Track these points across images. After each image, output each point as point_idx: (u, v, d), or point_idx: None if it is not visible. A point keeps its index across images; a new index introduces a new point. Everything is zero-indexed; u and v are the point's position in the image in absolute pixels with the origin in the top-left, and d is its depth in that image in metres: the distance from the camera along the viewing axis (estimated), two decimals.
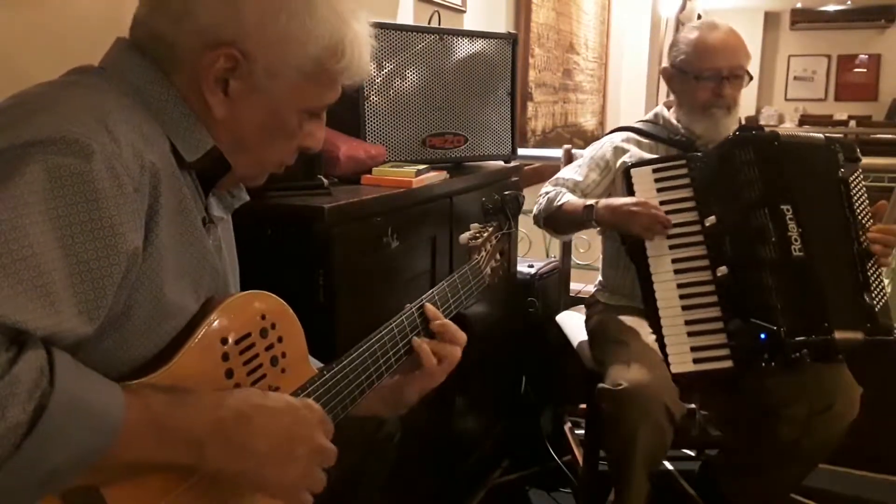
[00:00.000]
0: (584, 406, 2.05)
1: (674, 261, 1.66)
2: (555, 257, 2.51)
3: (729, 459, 1.88)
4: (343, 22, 0.86)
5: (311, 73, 0.86)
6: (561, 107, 4.57)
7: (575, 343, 2.00)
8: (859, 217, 1.64)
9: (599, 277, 2.03)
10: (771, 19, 9.70)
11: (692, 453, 2.27)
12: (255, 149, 0.89)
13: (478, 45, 1.90)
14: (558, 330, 2.12)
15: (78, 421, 0.63)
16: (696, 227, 1.66)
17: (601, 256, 2.05)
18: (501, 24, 3.52)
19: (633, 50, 5.54)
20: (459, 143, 1.91)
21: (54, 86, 0.79)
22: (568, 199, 1.82)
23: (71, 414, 0.63)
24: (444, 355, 1.09)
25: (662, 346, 1.61)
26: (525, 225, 2.54)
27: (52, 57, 0.88)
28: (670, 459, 2.23)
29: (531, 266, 2.35)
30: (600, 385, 1.62)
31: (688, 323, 1.62)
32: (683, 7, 6.45)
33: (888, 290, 1.67)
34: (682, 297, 1.64)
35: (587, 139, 4.73)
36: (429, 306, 1.11)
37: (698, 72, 1.78)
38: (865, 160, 1.81)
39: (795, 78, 9.84)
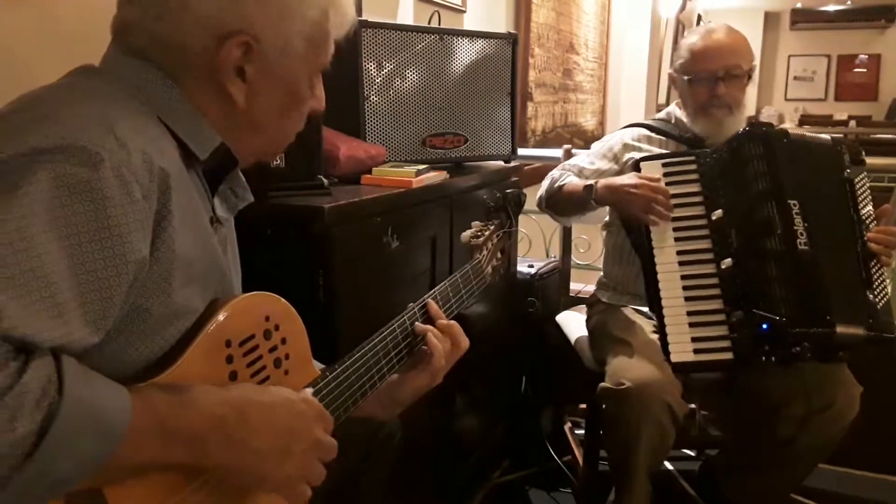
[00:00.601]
0: (584, 406, 2.05)
1: (678, 253, 1.67)
2: (555, 257, 2.51)
3: (729, 459, 1.88)
4: None
5: (312, 37, 0.86)
6: (561, 107, 4.57)
7: (575, 343, 2.00)
8: (864, 218, 1.65)
9: (601, 276, 2.03)
10: (771, 19, 9.70)
11: (692, 453, 2.27)
12: (273, 127, 0.90)
13: (478, 45, 1.91)
14: (558, 330, 2.12)
15: (86, 428, 0.63)
16: (703, 221, 1.67)
17: (603, 252, 2.06)
18: (501, 24, 3.52)
19: (633, 50, 5.53)
20: (459, 143, 1.91)
21: (59, 89, 0.78)
22: (570, 180, 1.84)
23: (79, 421, 0.62)
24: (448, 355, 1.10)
25: (664, 336, 1.61)
26: (525, 225, 2.54)
27: (56, 56, 0.87)
28: (670, 459, 2.23)
29: (531, 266, 2.35)
30: (602, 384, 1.62)
31: (690, 314, 1.62)
32: (683, 7, 6.45)
33: (889, 290, 1.67)
34: (685, 288, 1.64)
35: (587, 139, 4.73)
36: (432, 304, 1.12)
37: (693, 73, 1.81)
38: (866, 160, 1.81)
39: (795, 78, 9.84)
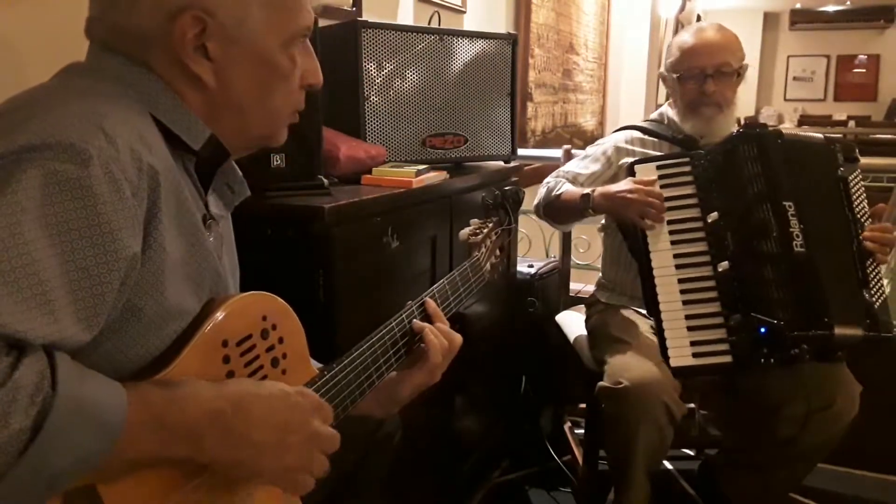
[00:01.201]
0: (584, 406, 2.05)
1: (675, 256, 1.67)
2: (555, 257, 2.51)
3: (729, 459, 1.88)
4: None
5: (272, 2, 0.83)
6: (561, 107, 4.57)
7: (574, 342, 2.00)
8: (858, 216, 1.65)
9: (600, 276, 2.03)
10: (770, 19, 9.69)
11: (692, 453, 2.28)
12: (258, 105, 0.87)
13: (478, 46, 1.91)
14: (558, 330, 2.12)
15: (82, 423, 0.63)
16: (699, 224, 1.67)
17: (601, 254, 2.06)
18: (501, 24, 3.53)
19: (633, 50, 5.54)
20: (459, 143, 1.91)
21: (48, 88, 0.78)
22: (567, 188, 1.85)
23: (74, 416, 0.62)
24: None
25: (662, 340, 1.61)
26: (525, 225, 2.54)
27: (56, 56, 0.87)
28: (670, 459, 2.23)
29: (531, 266, 2.35)
30: (600, 384, 1.62)
31: (688, 318, 1.62)
32: (683, 7, 6.45)
33: (887, 289, 1.67)
34: (682, 291, 1.64)
35: (587, 139, 4.73)
36: (430, 303, 1.12)
37: (683, 71, 1.81)
38: (865, 160, 1.82)
39: (795, 78, 9.83)
